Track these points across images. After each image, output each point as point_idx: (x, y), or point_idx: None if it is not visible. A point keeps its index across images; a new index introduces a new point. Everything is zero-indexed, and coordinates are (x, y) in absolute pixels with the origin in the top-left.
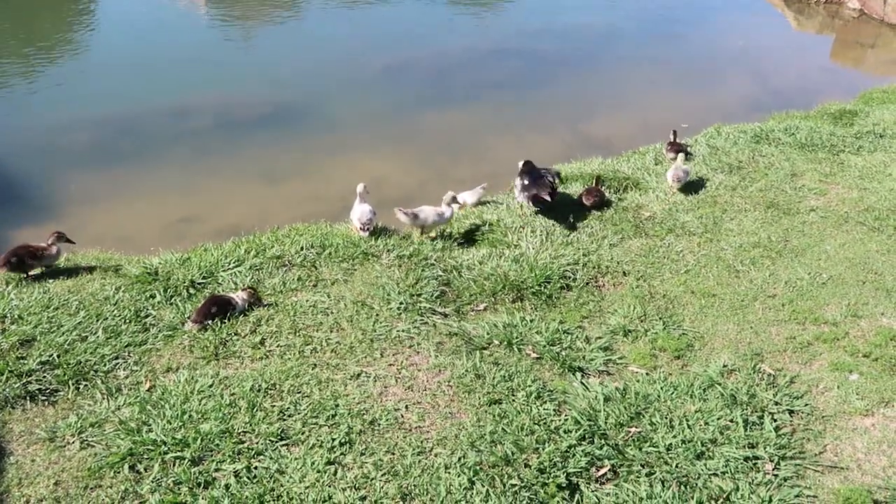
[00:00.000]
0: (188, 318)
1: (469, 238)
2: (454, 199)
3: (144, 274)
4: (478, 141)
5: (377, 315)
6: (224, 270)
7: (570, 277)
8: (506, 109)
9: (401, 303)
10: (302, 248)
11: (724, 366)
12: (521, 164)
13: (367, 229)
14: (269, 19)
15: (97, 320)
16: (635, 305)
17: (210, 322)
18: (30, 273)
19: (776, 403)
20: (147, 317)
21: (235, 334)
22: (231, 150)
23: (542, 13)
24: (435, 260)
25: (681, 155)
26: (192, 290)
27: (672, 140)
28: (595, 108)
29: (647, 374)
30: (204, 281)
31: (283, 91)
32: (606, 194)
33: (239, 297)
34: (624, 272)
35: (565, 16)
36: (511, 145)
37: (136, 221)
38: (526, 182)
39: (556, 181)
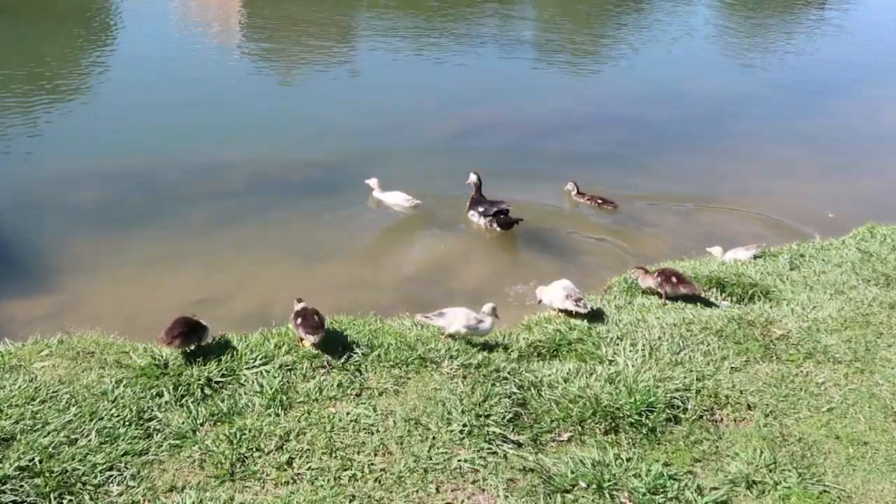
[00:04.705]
0: (306, 332)
1: (552, 347)
2: (494, 311)
3: (151, 366)
4: (564, 227)
5: (434, 438)
6: (248, 368)
7: (679, 407)
8: (601, 189)
9: (464, 424)
10: (344, 347)
11: None
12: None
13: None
14: (314, 62)
15: (90, 420)
16: (762, 449)
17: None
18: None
19: None
20: (151, 420)
21: (257, 450)
22: (263, 219)
23: (653, 76)
24: (509, 373)
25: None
26: (207, 390)
27: None
28: (715, 194)
29: None
30: (223, 380)
31: (328, 150)
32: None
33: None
34: (748, 405)
35: (684, 80)
36: (606, 237)
37: (145, 299)
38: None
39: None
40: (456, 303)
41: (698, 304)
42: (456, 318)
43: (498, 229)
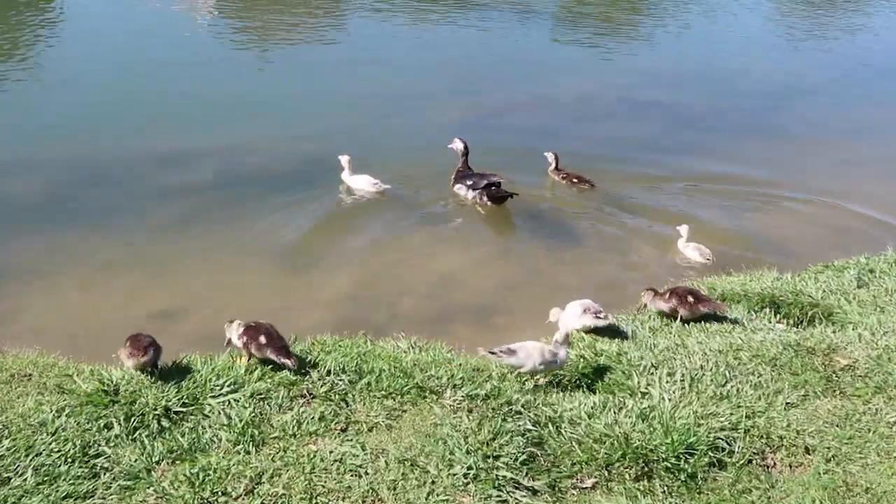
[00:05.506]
0: (280, 356)
1: (574, 377)
2: (567, 339)
3: (99, 392)
4: (590, 234)
5: (433, 483)
6: (213, 396)
7: (724, 449)
8: (629, 187)
9: (469, 467)
10: (329, 373)
11: None
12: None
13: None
14: (296, 36)
15: (26, 455)
16: (822, 500)
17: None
18: None
19: None
20: (98, 456)
21: (223, 493)
22: (237, 219)
23: (690, 54)
24: (522, 406)
25: None
26: (164, 422)
27: None
28: (767, 196)
29: None
30: (184, 409)
31: (314, 139)
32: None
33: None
34: (807, 448)
35: (726, 58)
36: (634, 245)
37: (93, 312)
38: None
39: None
40: (460, 317)
41: (748, 326)
42: (531, 355)
43: (489, 204)
